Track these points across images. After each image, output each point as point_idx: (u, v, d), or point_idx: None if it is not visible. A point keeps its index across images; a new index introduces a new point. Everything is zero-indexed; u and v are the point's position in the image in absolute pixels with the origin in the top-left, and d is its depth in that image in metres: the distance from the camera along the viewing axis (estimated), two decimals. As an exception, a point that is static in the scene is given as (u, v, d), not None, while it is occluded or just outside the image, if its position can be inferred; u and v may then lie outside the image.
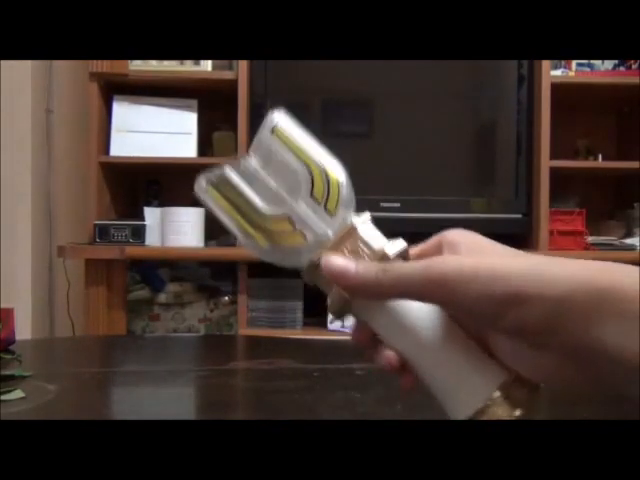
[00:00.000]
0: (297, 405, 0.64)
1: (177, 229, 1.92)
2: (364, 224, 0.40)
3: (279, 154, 0.41)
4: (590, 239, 2.00)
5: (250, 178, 0.41)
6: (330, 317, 1.86)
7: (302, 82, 2.05)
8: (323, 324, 1.88)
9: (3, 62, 1.93)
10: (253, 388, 0.76)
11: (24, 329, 1.81)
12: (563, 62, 2.06)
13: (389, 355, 0.37)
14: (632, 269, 0.32)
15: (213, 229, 1.95)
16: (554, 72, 2.01)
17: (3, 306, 0.88)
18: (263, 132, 0.41)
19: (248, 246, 0.41)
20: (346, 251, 0.39)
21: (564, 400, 0.63)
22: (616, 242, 2.03)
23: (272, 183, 0.41)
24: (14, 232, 1.99)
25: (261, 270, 1.88)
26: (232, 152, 1.96)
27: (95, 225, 1.89)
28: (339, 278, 0.37)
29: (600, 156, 2.11)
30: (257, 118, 1.94)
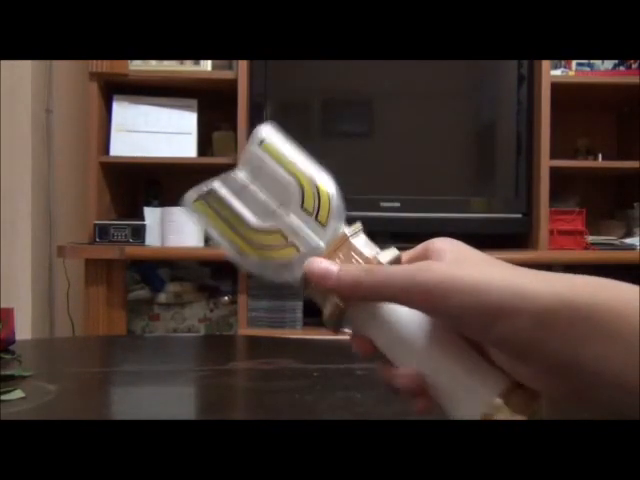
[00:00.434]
0: (297, 405, 0.64)
1: (177, 229, 1.92)
2: (356, 234, 0.40)
3: (268, 168, 0.41)
4: (590, 239, 2.00)
5: (240, 192, 0.41)
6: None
7: (302, 82, 2.05)
8: (323, 324, 1.87)
9: (3, 62, 1.93)
10: (253, 388, 0.76)
11: (24, 329, 1.81)
12: (563, 62, 2.06)
13: (404, 377, 0.37)
14: (614, 285, 0.32)
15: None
16: (554, 72, 2.01)
17: (3, 306, 0.88)
18: (251, 146, 0.41)
19: (239, 261, 0.40)
20: (339, 261, 0.39)
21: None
22: (616, 242, 2.03)
23: (262, 196, 0.41)
24: (14, 232, 1.99)
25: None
26: (232, 152, 1.96)
27: (95, 225, 1.89)
28: (321, 279, 0.38)
29: (600, 156, 2.11)
30: (257, 118, 1.95)
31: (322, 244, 0.40)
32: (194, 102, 2.05)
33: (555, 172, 1.96)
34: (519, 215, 1.99)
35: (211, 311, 2.06)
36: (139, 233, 1.90)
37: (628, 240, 2.03)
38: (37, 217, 2.05)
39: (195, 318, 2.04)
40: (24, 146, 2.01)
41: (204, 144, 2.07)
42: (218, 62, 2.04)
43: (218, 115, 2.11)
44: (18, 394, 0.65)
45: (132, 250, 1.85)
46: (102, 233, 1.88)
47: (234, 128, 1.97)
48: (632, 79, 1.99)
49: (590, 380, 0.32)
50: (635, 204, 2.10)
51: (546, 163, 1.96)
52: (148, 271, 2.05)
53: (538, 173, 1.97)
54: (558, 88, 1.96)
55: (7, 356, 0.81)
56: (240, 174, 0.41)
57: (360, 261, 0.39)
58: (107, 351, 1.05)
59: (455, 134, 2.05)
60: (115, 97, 2.04)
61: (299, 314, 1.93)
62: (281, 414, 0.62)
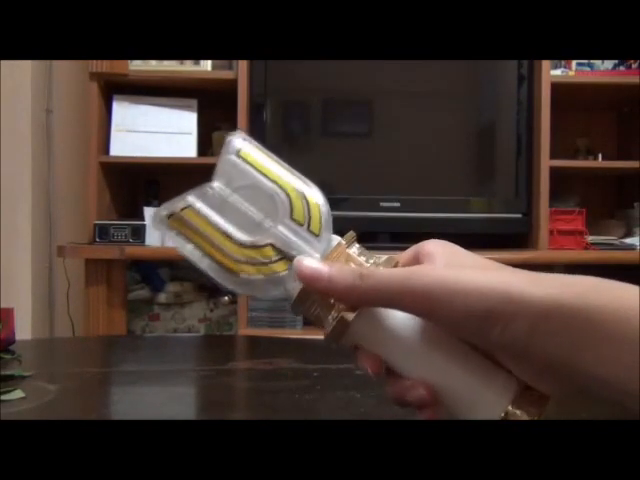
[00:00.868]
0: (297, 405, 0.64)
1: (177, 229, 1.92)
2: (351, 242, 0.38)
3: (249, 177, 0.38)
4: (590, 239, 2.00)
5: (219, 206, 0.38)
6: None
7: (302, 82, 2.05)
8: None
9: (3, 62, 1.93)
10: (253, 388, 0.76)
11: (24, 329, 1.81)
12: (563, 62, 2.06)
13: (418, 388, 0.35)
14: (606, 286, 0.32)
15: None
16: (554, 72, 2.01)
17: (3, 306, 0.88)
18: (227, 157, 0.38)
19: (224, 281, 0.38)
20: None
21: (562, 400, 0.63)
22: (616, 242, 2.03)
23: (245, 209, 0.38)
24: (14, 232, 1.99)
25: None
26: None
27: (95, 225, 1.89)
28: (311, 280, 0.35)
29: (600, 156, 2.11)
30: (257, 118, 1.95)
31: (317, 255, 0.37)
32: (194, 102, 2.05)
33: (555, 172, 1.96)
34: (519, 215, 1.99)
35: (211, 311, 2.06)
36: (139, 233, 1.90)
37: (628, 240, 2.03)
38: (37, 217, 2.05)
39: (195, 318, 2.04)
40: (24, 146, 2.01)
41: (204, 144, 2.07)
42: (218, 62, 2.04)
43: (218, 115, 2.11)
44: (18, 394, 0.65)
45: (132, 250, 1.85)
46: (102, 233, 1.88)
47: (234, 128, 1.97)
48: (632, 79, 1.99)
49: (588, 383, 0.32)
50: (635, 204, 2.10)
51: (546, 163, 1.96)
52: (148, 271, 2.05)
53: (538, 173, 1.97)
54: (558, 88, 1.96)
55: (7, 356, 0.81)
56: (217, 186, 0.38)
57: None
58: (107, 351, 1.05)
59: (455, 134, 2.05)
60: (115, 97, 2.04)
61: (299, 314, 1.92)
62: (281, 414, 0.62)
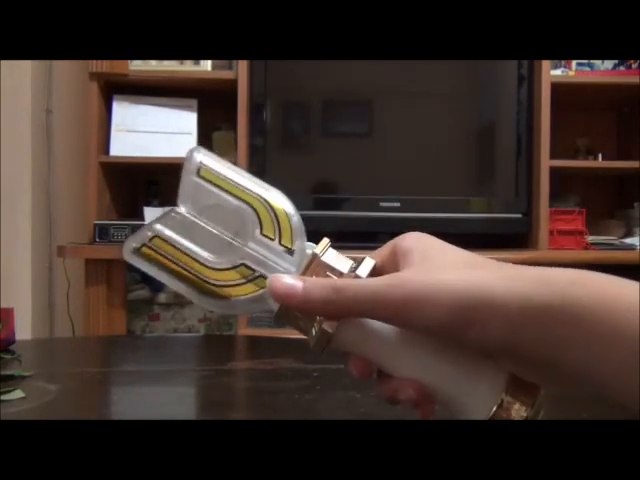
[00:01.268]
0: (297, 405, 0.64)
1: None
2: (326, 250, 0.37)
3: (212, 197, 0.37)
4: (590, 239, 2.00)
5: (187, 230, 0.37)
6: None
7: (302, 82, 2.05)
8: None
9: (3, 62, 1.93)
10: (253, 388, 0.76)
11: (24, 329, 1.81)
12: (563, 62, 2.06)
13: (407, 387, 0.35)
14: (586, 280, 0.32)
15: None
16: (554, 72, 2.01)
17: (3, 306, 0.88)
18: (188, 177, 0.37)
19: (207, 304, 0.37)
20: None
21: (562, 400, 0.63)
22: (616, 242, 2.03)
23: (213, 230, 0.37)
24: (14, 232, 1.99)
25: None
26: (232, 152, 1.96)
27: (95, 225, 1.89)
28: (286, 299, 0.35)
29: (600, 156, 2.11)
30: (257, 118, 1.95)
31: (293, 268, 0.37)
32: (194, 102, 2.05)
33: (555, 172, 1.96)
34: (519, 215, 1.99)
35: (211, 311, 2.06)
36: (139, 233, 1.89)
37: (628, 240, 2.03)
38: (37, 217, 2.05)
39: (195, 318, 2.04)
40: (24, 146, 2.01)
41: (204, 144, 2.06)
42: (218, 62, 2.04)
43: (218, 115, 2.11)
44: (18, 394, 0.65)
45: (132, 250, 1.84)
46: (102, 233, 1.88)
47: (234, 128, 1.97)
48: (632, 79, 1.99)
49: (569, 380, 0.32)
50: (635, 204, 2.10)
51: (546, 163, 1.96)
52: (148, 271, 2.05)
53: (538, 173, 1.97)
54: (558, 88, 1.96)
55: (7, 356, 0.81)
56: (182, 210, 0.37)
57: (335, 278, 0.36)
58: (107, 351, 1.05)
59: (455, 134, 2.05)
60: (115, 97, 2.04)
61: (299, 314, 1.92)
62: (281, 414, 0.62)
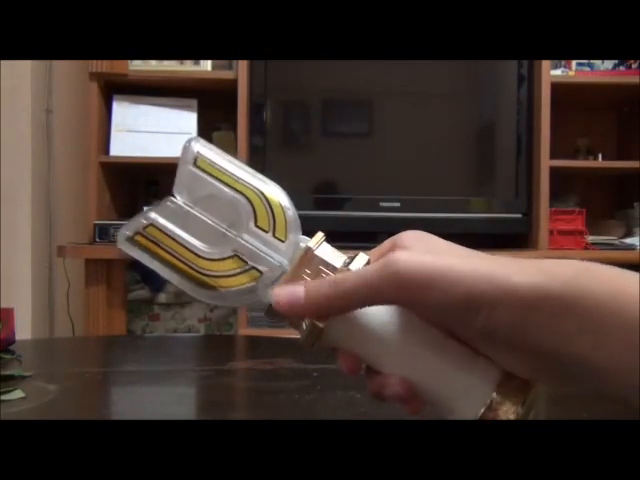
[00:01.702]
0: (297, 405, 0.64)
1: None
2: (320, 244, 0.37)
3: (208, 187, 0.37)
4: (590, 239, 2.00)
5: (182, 219, 0.37)
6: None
7: (302, 82, 2.05)
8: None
9: (3, 62, 1.93)
10: (253, 388, 0.76)
11: (24, 329, 1.81)
12: (563, 62, 2.06)
13: (393, 384, 0.35)
14: (592, 271, 0.31)
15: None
16: (554, 72, 2.01)
17: (3, 306, 0.88)
18: (184, 167, 0.37)
19: (196, 295, 0.37)
20: (306, 276, 0.36)
21: (562, 400, 0.63)
22: (616, 242, 2.03)
23: (208, 220, 0.37)
24: (14, 232, 1.99)
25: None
26: (232, 152, 1.95)
27: (95, 225, 1.89)
28: (290, 309, 0.35)
29: (600, 156, 2.11)
30: (257, 118, 1.95)
31: (285, 261, 0.36)
32: (194, 102, 2.05)
33: (555, 172, 1.96)
34: (519, 215, 1.99)
35: (211, 311, 2.06)
36: (139, 233, 1.89)
37: (628, 240, 2.03)
38: (37, 217, 2.05)
39: (195, 318, 2.04)
40: (24, 146, 2.01)
41: (204, 144, 2.07)
42: (218, 62, 2.04)
43: (218, 115, 2.11)
44: (18, 394, 0.65)
45: (132, 250, 1.84)
46: (102, 233, 1.88)
47: (234, 128, 1.97)
48: (632, 79, 1.99)
49: (570, 375, 0.32)
50: (635, 204, 2.10)
51: (546, 163, 1.96)
52: (148, 271, 2.04)
53: (538, 173, 1.97)
54: (558, 88, 1.96)
55: (7, 356, 0.81)
56: (178, 199, 0.37)
57: (329, 273, 0.36)
58: (107, 351, 1.05)
59: (455, 134, 2.05)
60: (115, 97, 2.04)
61: (299, 314, 1.92)
62: (281, 414, 0.62)
